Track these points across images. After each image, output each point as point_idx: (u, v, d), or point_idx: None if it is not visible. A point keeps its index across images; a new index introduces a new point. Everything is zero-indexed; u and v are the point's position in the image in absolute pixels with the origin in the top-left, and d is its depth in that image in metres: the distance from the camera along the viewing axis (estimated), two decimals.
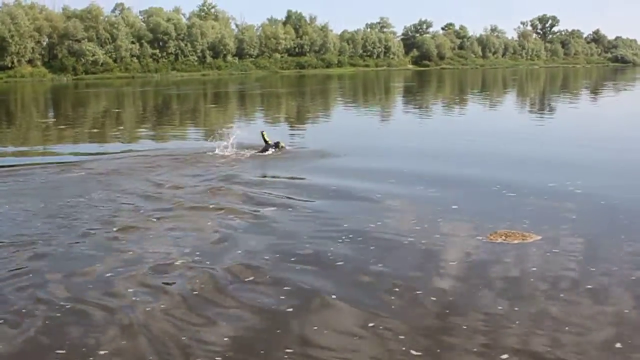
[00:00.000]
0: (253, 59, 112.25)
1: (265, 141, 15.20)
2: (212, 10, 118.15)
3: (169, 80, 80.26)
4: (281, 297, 5.90)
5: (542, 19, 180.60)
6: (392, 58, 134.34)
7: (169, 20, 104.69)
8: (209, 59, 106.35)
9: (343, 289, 6.10)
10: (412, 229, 8.31)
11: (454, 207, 9.40)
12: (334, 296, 5.91)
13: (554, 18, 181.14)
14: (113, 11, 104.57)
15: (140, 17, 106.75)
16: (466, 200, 9.93)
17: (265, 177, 12.38)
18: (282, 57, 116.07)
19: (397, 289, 6.07)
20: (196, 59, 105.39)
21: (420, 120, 26.16)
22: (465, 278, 6.46)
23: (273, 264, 6.88)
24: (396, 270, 6.66)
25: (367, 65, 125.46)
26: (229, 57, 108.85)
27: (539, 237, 7.72)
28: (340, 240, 7.72)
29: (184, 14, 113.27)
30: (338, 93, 48.59)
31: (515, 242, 7.61)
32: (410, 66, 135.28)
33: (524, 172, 12.40)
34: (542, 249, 7.30)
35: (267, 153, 14.83)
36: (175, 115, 30.28)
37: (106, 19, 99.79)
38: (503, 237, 7.81)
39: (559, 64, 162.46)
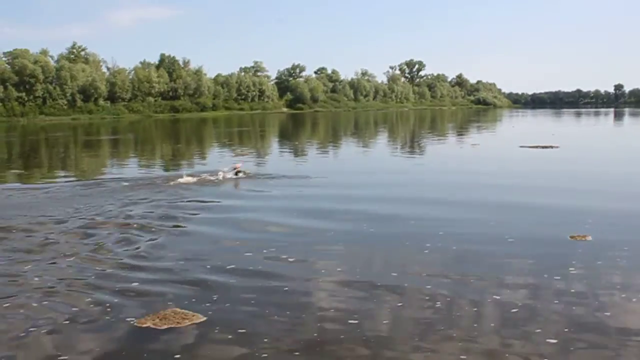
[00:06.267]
0: (126, 103, 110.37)
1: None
2: (82, 52, 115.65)
3: (37, 125, 77.24)
4: None
5: (410, 64, 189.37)
6: (266, 101, 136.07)
7: (36, 62, 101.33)
8: (79, 103, 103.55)
9: None
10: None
11: (134, 283, 8.05)
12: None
13: (420, 63, 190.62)
14: None
15: (4, 58, 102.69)
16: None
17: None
18: (155, 100, 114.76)
19: None
20: (66, 102, 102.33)
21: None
22: None
23: None
24: None
25: (241, 109, 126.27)
26: (101, 101, 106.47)
27: (203, 319, 6.65)
28: None
29: (52, 56, 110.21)
30: (214, 138, 48.63)
31: (164, 327, 6.41)
32: (284, 109, 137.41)
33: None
34: (181, 338, 6.25)
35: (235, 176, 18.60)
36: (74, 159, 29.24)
37: None
38: (156, 320, 6.55)
39: (427, 106, 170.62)
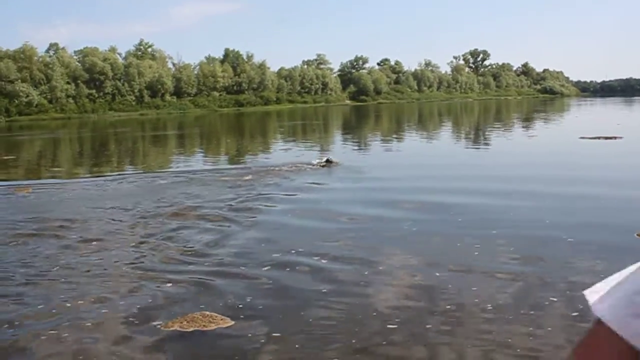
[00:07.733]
0: (191, 98, 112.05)
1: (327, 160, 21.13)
2: (149, 49, 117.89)
3: (107, 121, 79.35)
4: None
5: (474, 53, 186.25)
6: (329, 94, 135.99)
7: (105, 60, 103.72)
8: (146, 99, 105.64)
9: None
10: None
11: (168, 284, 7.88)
12: None
13: (484, 52, 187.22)
14: (47, 51, 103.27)
15: (75, 57, 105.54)
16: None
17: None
18: (220, 95, 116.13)
19: None
20: (134, 98, 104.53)
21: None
22: None
23: None
24: None
25: (305, 102, 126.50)
26: (167, 96, 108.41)
27: (231, 323, 6.40)
28: None
29: (120, 54, 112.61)
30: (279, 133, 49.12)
31: (190, 329, 6.22)
32: (347, 102, 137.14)
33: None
34: (206, 342, 6.02)
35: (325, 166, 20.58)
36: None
37: (40, 59, 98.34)
38: (183, 323, 6.34)
39: (492, 96, 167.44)
